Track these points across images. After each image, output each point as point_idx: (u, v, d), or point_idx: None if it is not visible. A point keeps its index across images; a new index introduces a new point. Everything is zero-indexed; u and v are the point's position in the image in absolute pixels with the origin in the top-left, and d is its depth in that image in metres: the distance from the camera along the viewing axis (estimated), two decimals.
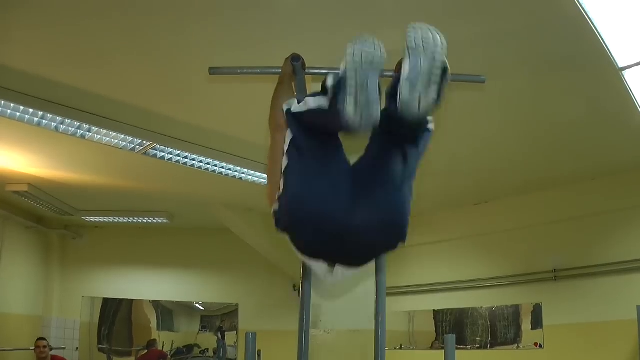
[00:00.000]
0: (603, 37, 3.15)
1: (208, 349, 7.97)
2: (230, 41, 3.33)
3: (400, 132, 1.70)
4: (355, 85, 1.52)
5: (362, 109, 1.51)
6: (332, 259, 1.81)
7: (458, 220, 6.82)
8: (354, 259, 1.84)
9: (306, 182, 1.75)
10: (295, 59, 2.29)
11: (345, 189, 1.71)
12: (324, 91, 1.66)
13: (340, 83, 1.55)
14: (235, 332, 7.97)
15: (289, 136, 1.83)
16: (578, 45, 3.29)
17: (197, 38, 3.33)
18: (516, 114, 4.36)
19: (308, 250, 1.81)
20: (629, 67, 3.47)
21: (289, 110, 1.86)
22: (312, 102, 1.76)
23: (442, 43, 1.51)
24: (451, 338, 2.10)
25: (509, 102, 4.15)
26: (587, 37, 3.14)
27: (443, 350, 2.38)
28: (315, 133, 1.79)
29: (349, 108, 1.51)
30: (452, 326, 6.65)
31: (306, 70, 2.36)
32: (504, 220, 6.36)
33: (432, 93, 1.51)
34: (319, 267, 1.84)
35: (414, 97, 1.51)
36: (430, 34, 1.50)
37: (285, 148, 1.83)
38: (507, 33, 3.21)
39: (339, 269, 1.82)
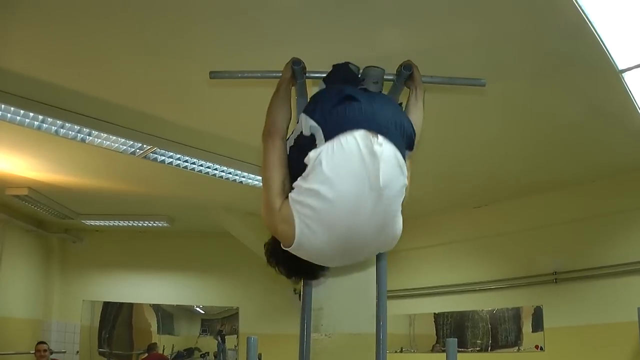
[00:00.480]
0: (603, 40, 3.15)
1: (208, 353, 7.94)
2: (231, 44, 3.32)
3: None
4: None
5: None
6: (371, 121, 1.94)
7: (458, 223, 6.82)
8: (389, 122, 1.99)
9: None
10: (296, 62, 2.29)
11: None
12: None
13: None
14: (236, 335, 7.96)
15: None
16: (578, 48, 3.29)
17: (197, 41, 3.32)
18: (516, 116, 4.35)
19: (348, 115, 1.94)
20: (629, 69, 3.46)
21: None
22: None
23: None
24: (453, 342, 2.10)
25: (509, 105, 4.15)
26: (587, 39, 3.14)
27: (444, 354, 2.37)
28: None
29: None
30: (453, 329, 6.64)
31: (307, 75, 2.37)
32: (505, 223, 6.38)
33: None
34: (361, 141, 1.88)
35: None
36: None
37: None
38: (508, 35, 3.21)
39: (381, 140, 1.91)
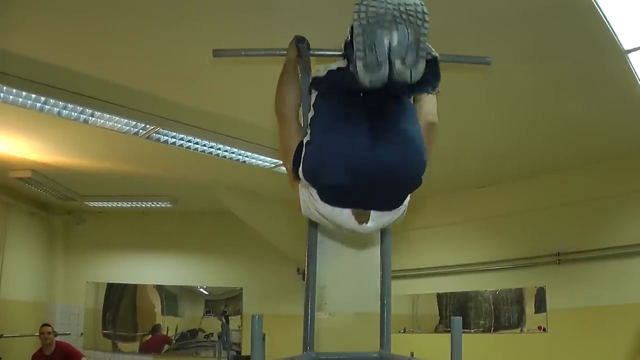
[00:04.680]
0: (608, 20, 3.13)
1: (212, 334, 7.93)
2: (235, 24, 3.30)
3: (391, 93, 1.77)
4: (363, 45, 1.58)
5: (371, 70, 1.58)
6: (362, 203, 1.84)
7: (462, 204, 6.83)
8: (383, 199, 1.86)
9: (332, 128, 1.81)
10: (300, 40, 2.30)
11: (368, 131, 1.76)
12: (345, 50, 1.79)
13: (352, 43, 1.62)
14: (240, 316, 8.01)
15: (314, 93, 1.96)
16: (583, 28, 3.27)
17: (201, 20, 3.30)
18: (519, 96, 4.32)
19: (336, 196, 1.83)
20: (635, 49, 3.45)
21: (314, 78, 1.98)
22: (333, 65, 1.92)
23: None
24: (457, 320, 2.11)
25: (514, 85, 4.12)
26: (593, 19, 3.12)
27: (447, 334, 2.39)
28: (339, 91, 1.86)
29: (360, 70, 1.59)
30: (456, 310, 6.66)
31: (311, 52, 2.38)
32: (508, 204, 6.39)
33: (422, 65, 1.61)
34: (346, 217, 1.85)
35: (405, 73, 1.60)
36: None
37: (312, 101, 1.96)
38: (511, 16, 3.18)
39: (372, 216, 1.85)
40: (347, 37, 1.77)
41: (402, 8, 1.57)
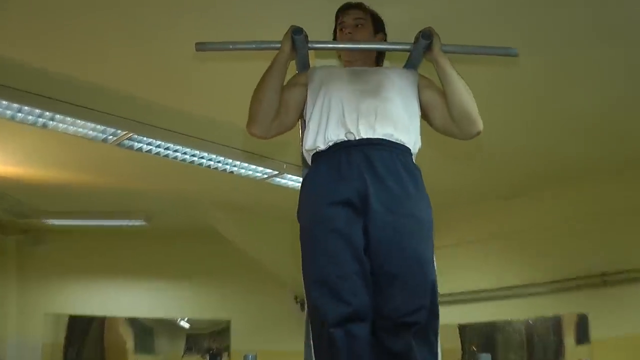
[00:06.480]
0: None
1: None
2: (220, 13, 3.31)
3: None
4: None
5: None
6: None
7: (485, 217, 6.80)
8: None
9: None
10: (296, 31, 2.31)
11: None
12: None
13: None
14: (227, 353, 7.95)
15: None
16: (626, 14, 3.28)
17: (181, 8, 3.30)
18: (554, 91, 4.32)
19: None
20: None
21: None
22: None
23: None
24: (485, 357, 2.08)
25: (546, 78, 4.13)
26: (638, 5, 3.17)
27: None
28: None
29: None
30: (482, 343, 6.65)
31: (309, 45, 2.42)
32: (541, 216, 6.32)
33: None
34: None
35: None
36: None
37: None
38: None
39: None
40: None
41: None
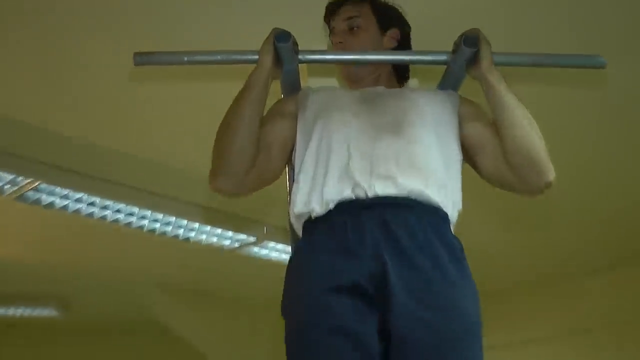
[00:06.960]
0: None
1: None
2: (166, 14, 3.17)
3: None
4: None
5: None
6: None
7: (563, 302, 6.68)
8: None
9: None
10: (280, 37, 2.18)
11: None
12: None
13: None
14: None
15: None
16: None
17: (114, 15, 3.17)
18: None
19: None
20: None
21: None
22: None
23: None
24: None
25: (629, 97, 3.96)
26: None
27: None
28: None
29: None
30: None
31: (300, 56, 2.29)
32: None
33: None
34: None
35: None
36: None
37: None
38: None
39: None
40: None
41: None
